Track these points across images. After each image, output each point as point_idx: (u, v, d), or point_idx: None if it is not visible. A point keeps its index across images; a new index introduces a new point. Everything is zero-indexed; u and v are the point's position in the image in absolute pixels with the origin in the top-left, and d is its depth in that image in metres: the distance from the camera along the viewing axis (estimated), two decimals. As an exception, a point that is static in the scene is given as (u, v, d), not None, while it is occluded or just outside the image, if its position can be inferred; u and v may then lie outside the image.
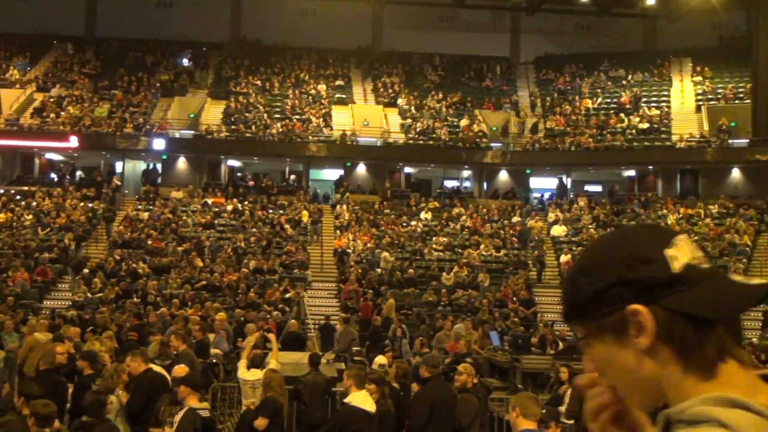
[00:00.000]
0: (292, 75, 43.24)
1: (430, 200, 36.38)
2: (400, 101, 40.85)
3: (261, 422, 8.85)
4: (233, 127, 37.75)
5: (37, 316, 19.85)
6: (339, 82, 42.93)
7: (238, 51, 45.04)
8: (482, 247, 31.50)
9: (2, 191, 34.39)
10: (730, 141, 35.87)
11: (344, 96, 41.84)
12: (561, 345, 19.73)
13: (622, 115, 39.08)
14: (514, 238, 32.46)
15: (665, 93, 41.11)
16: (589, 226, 33.31)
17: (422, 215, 34.46)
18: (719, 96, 39.56)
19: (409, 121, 39.27)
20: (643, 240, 1.35)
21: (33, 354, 13.73)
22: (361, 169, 38.46)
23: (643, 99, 40.35)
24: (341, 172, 38.45)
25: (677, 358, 1.27)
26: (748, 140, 35.64)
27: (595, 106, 40.65)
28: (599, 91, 41.79)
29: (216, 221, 32.97)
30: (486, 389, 10.99)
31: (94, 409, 7.38)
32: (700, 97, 39.81)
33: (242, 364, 11.38)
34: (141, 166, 39.02)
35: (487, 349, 19.56)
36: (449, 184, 40.54)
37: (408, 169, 39.83)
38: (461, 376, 9.50)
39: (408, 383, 11.04)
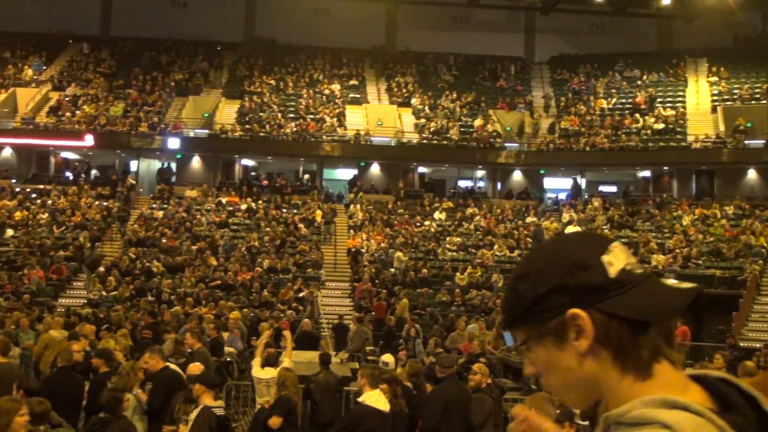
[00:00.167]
0: (306, 74, 43.29)
1: (443, 200, 36.33)
2: (414, 101, 40.83)
3: (275, 421, 8.85)
4: (247, 126, 37.82)
5: (52, 314, 19.96)
6: (353, 82, 42.95)
7: (252, 50, 45.14)
8: (496, 247, 31.43)
9: (18, 189, 34.58)
10: (746, 142, 35.64)
11: (358, 96, 41.85)
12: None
13: (637, 115, 38.87)
14: (528, 239, 32.37)
15: (681, 93, 40.89)
16: (604, 227, 33.19)
17: (436, 215, 34.43)
18: (735, 96, 39.30)
19: (423, 120, 39.24)
20: (581, 247, 1.42)
21: (48, 351, 13.81)
22: (375, 168, 38.46)
23: (659, 99, 40.15)
24: (355, 171, 38.46)
25: (614, 360, 1.34)
26: (764, 141, 35.38)
27: (610, 107, 40.47)
28: (614, 91, 41.60)
29: (230, 220, 33.06)
30: (500, 389, 10.95)
31: (110, 407, 7.40)
32: (715, 98, 39.55)
33: (256, 362, 11.38)
34: (156, 165, 39.17)
35: (501, 349, 19.49)
36: (463, 184, 40.48)
37: (422, 169, 39.79)
38: (475, 376, 9.48)
39: (421, 383, 11.02)
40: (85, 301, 25.72)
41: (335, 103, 40.55)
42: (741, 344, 22.84)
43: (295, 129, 37.62)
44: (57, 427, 7.02)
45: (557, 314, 1.36)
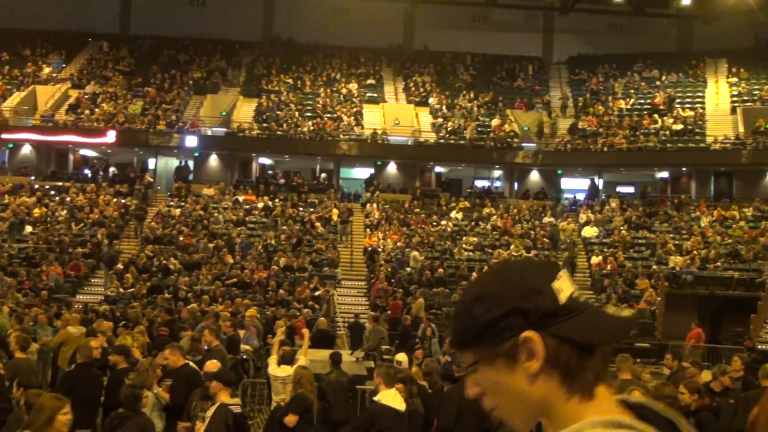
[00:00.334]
0: (324, 73, 43.34)
1: (460, 200, 36.29)
2: (431, 100, 40.78)
3: (291, 419, 8.87)
4: (265, 125, 37.90)
5: (69, 311, 20.08)
6: (370, 81, 42.95)
7: (270, 49, 45.25)
8: (512, 247, 31.35)
9: (37, 186, 34.82)
10: (765, 143, 35.36)
11: (375, 95, 41.86)
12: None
13: (656, 116, 38.66)
14: (544, 239, 32.27)
15: (700, 94, 40.65)
16: (621, 228, 33.05)
17: (452, 215, 34.38)
18: (755, 97, 39.01)
19: (440, 120, 39.20)
20: (533, 273, 1.48)
21: (66, 348, 13.89)
22: (392, 168, 38.45)
23: (678, 100, 39.92)
24: (372, 170, 38.46)
25: (562, 382, 1.40)
26: (784, 142, 35.14)
27: (629, 107, 40.28)
28: (632, 91, 41.41)
29: (247, 218, 33.14)
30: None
31: (129, 403, 7.44)
32: (735, 99, 39.30)
33: (273, 360, 11.40)
34: (173, 162, 39.31)
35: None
36: (480, 183, 40.39)
37: (439, 169, 39.72)
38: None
39: (435, 382, 11.01)
40: (103, 298, 25.88)
41: (352, 102, 40.57)
42: (759, 347, 22.67)
43: (312, 128, 37.68)
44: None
45: (511, 336, 1.41)
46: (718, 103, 39.68)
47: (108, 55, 43.81)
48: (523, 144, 38.23)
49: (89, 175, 37.36)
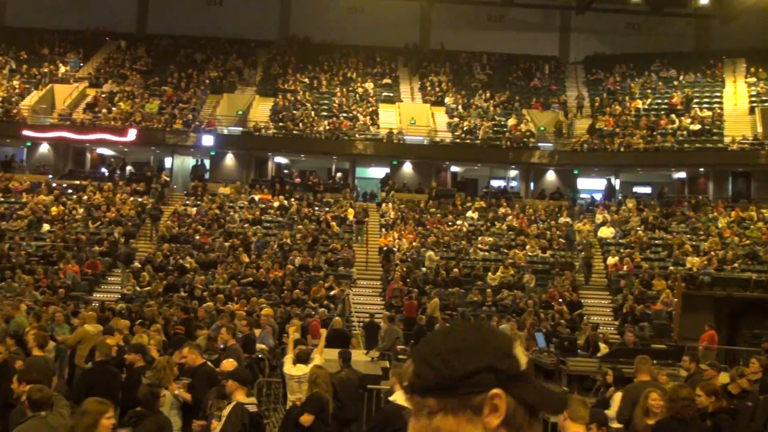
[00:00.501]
0: (340, 73, 43.38)
1: (476, 200, 36.21)
2: (447, 100, 40.74)
3: (307, 418, 8.88)
4: (281, 124, 37.97)
5: (87, 309, 20.18)
6: (386, 81, 42.95)
7: (286, 48, 45.34)
8: (528, 247, 31.27)
9: (55, 185, 35.03)
10: (784, 143, 35.15)
11: (391, 94, 41.85)
12: (602, 348, 19.49)
13: (673, 116, 38.45)
14: (560, 239, 32.16)
15: (718, 94, 40.40)
16: (638, 228, 32.89)
17: (468, 214, 34.32)
18: (774, 98, 38.77)
19: (456, 120, 39.15)
20: (502, 338, 1.62)
21: (83, 346, 13.95)
22: (408, 167, 38.44)
23: (695, 100, 39.69)
24: (387, 170, 38.44)
25: None
26: (803, 143, 34.87)
27: (646, 107, 40.09)
28: (649, 91, 41.21)
29: (263, 217, 33.21)
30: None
31: (147, 401, 7.46)
32: (753, 99, 39.04)
33: (288, 359, 11.41)
34: (190, 161, 39.48)
35: (532, 350, 19.41)
36: (496, 183, 40.28)
37: (454, 168, 39.69)
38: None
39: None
40: (119, 296, 26.01)
41: (368, 102, 40.59)
42: (777, 349, 22.47)
43: (328, 127, 37.73)
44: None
45: (482, 391, 1.51)
46: (736, 103, 39.43)
47: (125, 54, 44.05)
48: (539, 144, 38.13)
49: (106, 173, 37.56)
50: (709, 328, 22.82)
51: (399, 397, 8.20)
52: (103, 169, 38.33)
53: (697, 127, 37.20)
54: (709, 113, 38.25)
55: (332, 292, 26.68)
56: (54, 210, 32.19)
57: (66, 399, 13.41)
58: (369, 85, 41.94)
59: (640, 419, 7.78)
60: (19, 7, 45.61)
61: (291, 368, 11.09)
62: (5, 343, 9.60)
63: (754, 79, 40.30)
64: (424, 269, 29.41)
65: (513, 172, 40.48)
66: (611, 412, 9.65)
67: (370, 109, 39.82)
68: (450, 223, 33.53)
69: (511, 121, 38.86)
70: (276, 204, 34.24)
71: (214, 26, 45.48)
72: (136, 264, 28.36)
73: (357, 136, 37.52)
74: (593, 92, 42.57)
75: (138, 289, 26.45)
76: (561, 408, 1.59)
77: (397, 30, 45.15)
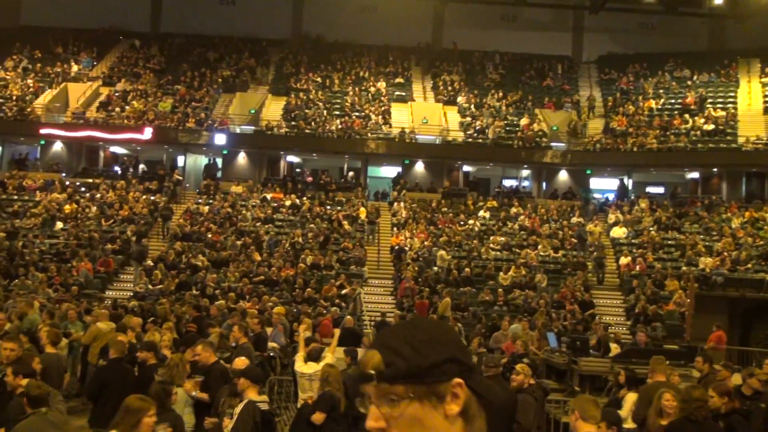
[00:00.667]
0: (353, 72, 43.40)
1: (488, 199, 36.16)
2: (459, 99, 40.70)
3: (318, 417, 8.88)
4: (293, 123, 38.02)
5: (99, 306, 20.25)
6: (399, 80, 42.94)
7: (299, 47, 45.41)
8: (540, 247, 31.20)
9: (68, 183, 35.18)
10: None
11: (404, 93, 41.84)
12: (612, 348, 19.44)
13: (687, 116, 38.27)
14: (572, 239, 32.08)
15: (732, 94, 40.18)
16: (650, 229, 32.76)
17: (480, 214, 34.27)
18: (789, 98, 38.54)
19: (468, 119, 39.10)
20: (456, 333, 1.81)
21: (95, 343, 14.01)
22: (420, 166, 38.43)
23: (709, 100, 39.49)
24: (399, 169, 38.43)
25: (463, 425, 1.66)
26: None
27: (659, 107, 39.91)
28: (662, 91, 41.02)
29: (274, 216, 33.26)
30: (543, 390, 10.86)
31: (159, 399, 7.47)
32: (768, 99, 38.87)
33: (299, 357, 11.42)
34: (202, 160, 39.58)
35: (544, 350, 19.38)
36: (508, 183, 40.23)
37: (466, 168, 39.65)
38: (518, 377, 9.41)
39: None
40: (132, 294, 26.10)
41: (381, 101, 40.59)
42: (791, 350, 22.35)
43: (340, 126, 37.76)
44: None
45: (447, 380, 1.64)
46: (750, 103, 39.20)
47: (139, 53, 44.22)
48: (552, 143, 38.03)
49: (119, 172, 37.70)
50: (717, 329, 22.68)
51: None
52: (116, 168, 38.47)
53: (711, 127, 37.02)
54: (723, 113, 38.05)
55: (344, 291, 26.69)
56: (67, 208, 32.34)
57: (79, 396, 13.50)
58: (381, 84, 41.94)
59: (654, 420, 7.75)
60: (35, 5, 45.91)
61: (302, 366, 11.09)
62: (19, 340, 9.63)
63: (768, 79, 40.11)
64: (435, 268, 29.39)
65: (525, 172, 40.40)
66: (623, 412, 9.63)
67: (383, 108, 39.82)
68: (462, 223, 33.50)
69: (524, 121, 38.78)
70: (288, 203, 34.29)
71: (227, 25, 45.62)
72: (149, 262, 28.44)
73: (369, 135, 37.53)
74: (606, 92, 42.42)
75: (150, 287, 26.52)
76: (506, 403, 1.75)
77: (410, 29, 45.15)
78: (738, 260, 29.06)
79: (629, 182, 38.67)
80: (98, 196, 33.91)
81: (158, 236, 32.13)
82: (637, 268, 29.57)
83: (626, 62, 44.19)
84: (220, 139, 36.86)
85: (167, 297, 24.03)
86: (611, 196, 38.17)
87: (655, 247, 31.32)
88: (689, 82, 41.36)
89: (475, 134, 38.01)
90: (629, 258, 30.23)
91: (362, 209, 33.83)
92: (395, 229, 33.10)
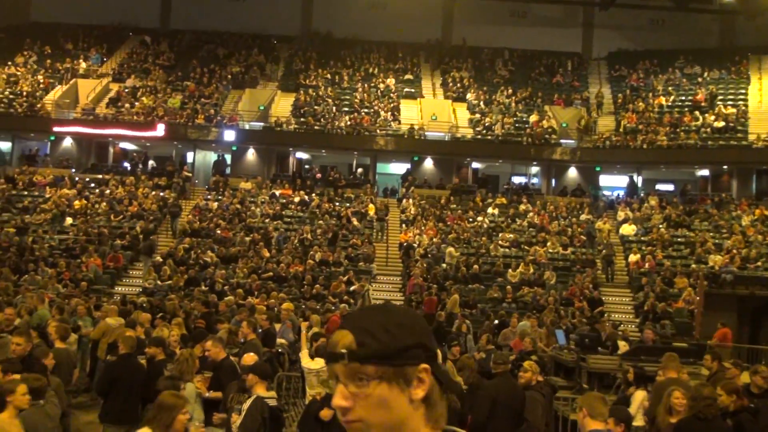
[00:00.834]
0: (362, 68, 43.39)
1: (497, 196, 36.11)
2: (469, 96, 40.64)
3: (327, 413, 8.87)
4: (302, 119, 38.05)
5: (108, 302, 20.31)
6: (408, 76, 42.92)
7: (308, 44, 45.42)
8: (549, 244, 31.14)
9: (77, 179, 35.29)
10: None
11: (413, 90, 41.81)
12: (621, 345, 19.38)
13: (697, 113, 38.10)
14: (582, 236, 32.00)
15: (742, 91, 39.99)
16: (660, 226, 32.66)
17: (489, 211, 34.23)
18: (799, 95, 38.34)
19: (477, 116, 39.04)
20: (424, 320, 1.84)
21: (105, 339, 14.04)
22: (429, 163, 38.41)
23: (720, 97, 39.29)
24: (408, 166, 38.41)
25: (426, 410, 1.72)
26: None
27: (669, 104, 39.75)
28: (672, 88, 40.85)
29: (283, 212, 33.29)
30: (551, 388, 10.85)
31: (168, 394, 7.49)
32: (779, 96, 38.67)
33: (304, 353, 11.41)
34: (211, 156, 39.65)
35: (552, 347, 19.34)
36: (517, 180, 40.16)
37: (475, 165, 39.60)
38: (526, 374, 9.41)
39: (468, 378, 10.98)
40: (141, 290, 26.17)
41: (390, 97, 40.57)
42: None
43: (349, 123, 37.75)
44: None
45: (415, 364, 1.70)
46: (761, 100, 39.02)
47: (148, 50, 44.32)
48: (561, 140, 37.94)
49: (128, 168, 37.79)
50: (722, 326, 22.62)
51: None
52: (126, 164, 38.57)
53: (721, 124, 36.85)
54: (734, 110, 37.87)
55: (352, 288, 26.68)
56: (77, 204, 32.44)
57: (88, 391, 13.54)
58: (390, 81, 41.92)
59: (663, 417, 7.74)
60: (45, 2, 46.08)
61: (309, 362, 11.08)
62: (28, 335, 9.66)
63: (779, 76, 39.90)
64: (444, 265, 29.35)
65: (534, 169, 40.34)
66: (632, 409, 9.62)
67: (392, 105, 39.81)
68: (470, 220, 33.47)
69: (533, 118, 38.70)
70: (297, 199, 34.32)
71: (236, 22, 45.70)
72: (158, 258, 28.50)
73: (378, 131, 37.52)
74: (616, 89, 42.29)
75: (159, 282, 26.59)
76: (459, 393, 1.84)
77: (419, 25, 45.09)
78: (748, 258, 28.93)
79: (639, 179, 38.55)
80: (108, 192, 34.00)
81: (167, 232, 32.20)
82: (647, 265, 29.48)
83: (636, 59, 44.02)
84: (229, 135, 36.91)
85: (176, 293, 24.09)
86: (621, 194, 38.07)
87: (664, 245, 31.22)
88: (699, 79, 41.18)
89: (484, 131, 37.95)
90: (638, 255, 30.13)
91: (371, 206, 33.83)
92: (404, 225, 33.08)
